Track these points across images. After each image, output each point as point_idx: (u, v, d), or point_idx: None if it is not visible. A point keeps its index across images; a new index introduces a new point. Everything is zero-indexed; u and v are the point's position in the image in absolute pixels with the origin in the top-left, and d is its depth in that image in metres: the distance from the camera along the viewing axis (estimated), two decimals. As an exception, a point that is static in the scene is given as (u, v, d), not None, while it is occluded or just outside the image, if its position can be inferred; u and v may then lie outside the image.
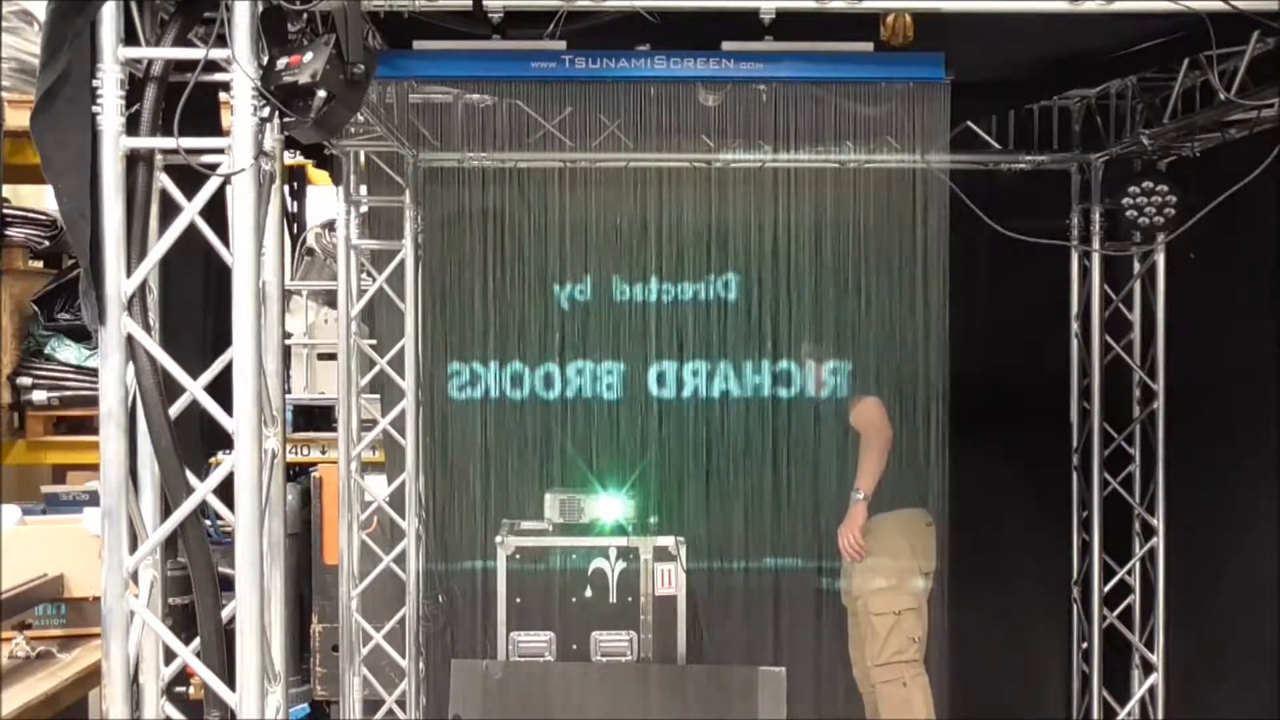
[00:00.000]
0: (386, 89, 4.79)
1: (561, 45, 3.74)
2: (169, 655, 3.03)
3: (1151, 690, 5.80)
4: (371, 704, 5.58)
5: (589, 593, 5.49)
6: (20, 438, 5.88)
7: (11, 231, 5.70)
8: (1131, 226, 5.35)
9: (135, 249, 2.90)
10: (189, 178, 2.92)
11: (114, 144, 2.87)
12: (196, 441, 3.42)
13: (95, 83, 2.85)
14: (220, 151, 2.89)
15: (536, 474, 5.82)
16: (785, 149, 5.01)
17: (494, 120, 5.13)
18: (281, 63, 2.86)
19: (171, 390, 2.91)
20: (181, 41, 2.97)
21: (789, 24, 3.56)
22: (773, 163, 5.42)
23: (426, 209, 5.64)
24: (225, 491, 2.90)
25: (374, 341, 5.64)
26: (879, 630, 5.29)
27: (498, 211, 5.67)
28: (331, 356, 5.86)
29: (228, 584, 2.88)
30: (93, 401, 3.04)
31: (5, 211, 5.64)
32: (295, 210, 7.07)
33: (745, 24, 3.56)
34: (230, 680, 2.90)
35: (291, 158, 5.43)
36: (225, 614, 2.94)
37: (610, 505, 5.63)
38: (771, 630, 5.88)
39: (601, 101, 4.83)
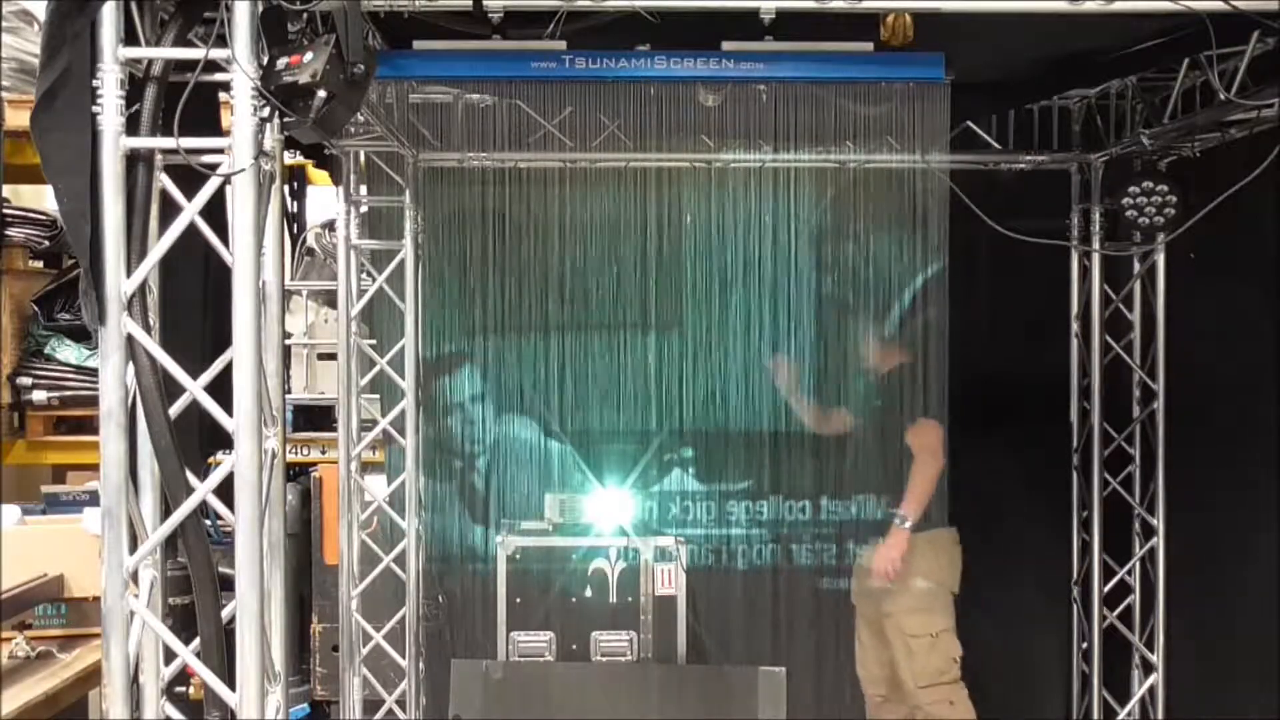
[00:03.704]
0: (386, 89, 4.79)
1: (561, 45, 3.74)
2: (169, 655, 3.03)
3: (1151, 690, 5.80)
4: (371, 704, 5.58)
5: (589, 593, 5.49)
6: (20, 438, 5.88)
7: (11, 231, 5.70)
8: (1131, 226, 5.35)
9: (135, 249, 2.90)
10: (189, 178, 2.92)
11: (114, 144, 2.87)
12: (195, 441, 3.42)
13: (95, 83, 2.85)
14: (220, 151, 2.89)
15: (537, 474, 5.82)
16: (785, 149, 5.02)
17: (494, 120, 5.13)
18: (281, 63, 2.86)
19: (171, 390, 2.91)
20: (181, 41, 2.97)
21: (789, 24, 3.57)
22: (773, 163, 5.42)
23: (426, 209, 5.64)
24: (225, 491, 2.90)
25: (374, 341, 5.64)
26: (915, 651, 5.25)
27: (498, 211, 5.67)
28: (331, 356, 5.87)
29: (228, 584, 2.88)
30: (93, 401, 3.04)
31: (5, 211, 5.64)
32: (295, 210, 7.07)
33: (745, 24, 3.56)
34: (230, 680, 2.90)
35: (291, 158, 5.43)
36: (225, 614, 2.94)
37: (610, 504, 5.64)
38: (771, 630, 5.89)
39: (601, 101, 4.83)
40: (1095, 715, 5.85)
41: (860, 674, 5.56)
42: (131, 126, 2.90)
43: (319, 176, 6.80)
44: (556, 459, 5.84)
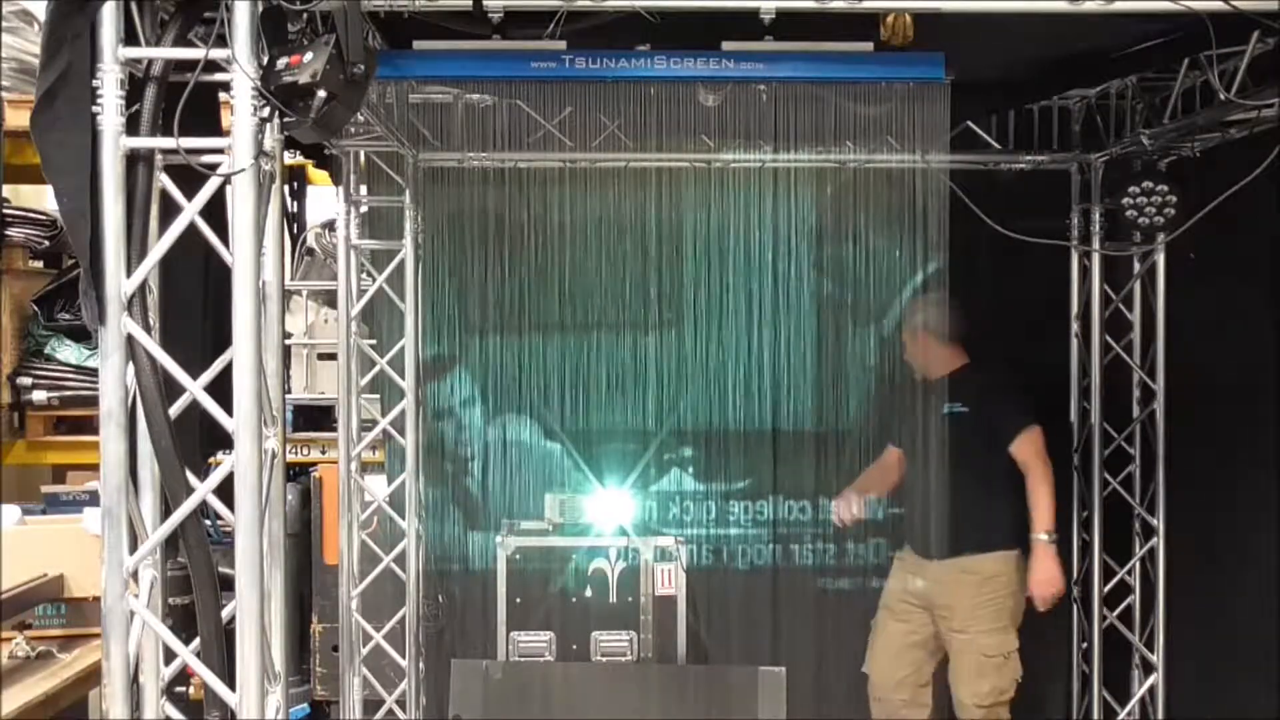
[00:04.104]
0: (386, 89, 4.79)
1: (561, 45, 3.74)
2: (169, 655, 3.03)
3: (1151, 690, 5.80)
4: (371, 704, 5.59)
5: (589, 593, 5.49)
6: (20, 438, 5.88)
7: (11, 231, 5.70)
8: (1131, 226, 5.35)
9: (135, 249, 2.90)
10: (189, 178, 2.92)
11: (114, 144, 2.87)
12: (195, 441, 3.42)
13: (95, 83, 2.85)
14: (220, 151, 2.89)
15: (536, 474, 5.82)
16: (785, 149, 5.01)
17: (494, 120, 5.12)
18: (281, 63, 2.86)
19: (171, 390, 2.91)
20: (181, 41, 2.97)
21: (789, 24, 3.56)
22: (773, 163, 5.43)
23: (426, 209, 5.64)
24: (225, 491, 2.90)
25: (374, 341, 5.65)
26: (987, 671, 5.18)
27: (498, 211, 5.68)
28: (331, 356, 5.87)
29: (228, 584, 2.88)
30: (93, 401, 3.04)
31: (5, 211, 5.64)
32: (295, 210, 7.07)
33: (745, 24, 3.56)
34: (230, 680, 2.90)
35: (291, 158, 5.42)
36: (225, 614, 2.94)
37: (610, 504, 5.64)
38: (771, 630, 5.89)
39: (601, 101, 4.83)
40: (1095, 715, 5.85)
41: (878, 677, 5.40)
42: (131, 126, 2.90)
43: (319, 176, 6.80)
44: (556, 459, 5.85)
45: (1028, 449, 5.16)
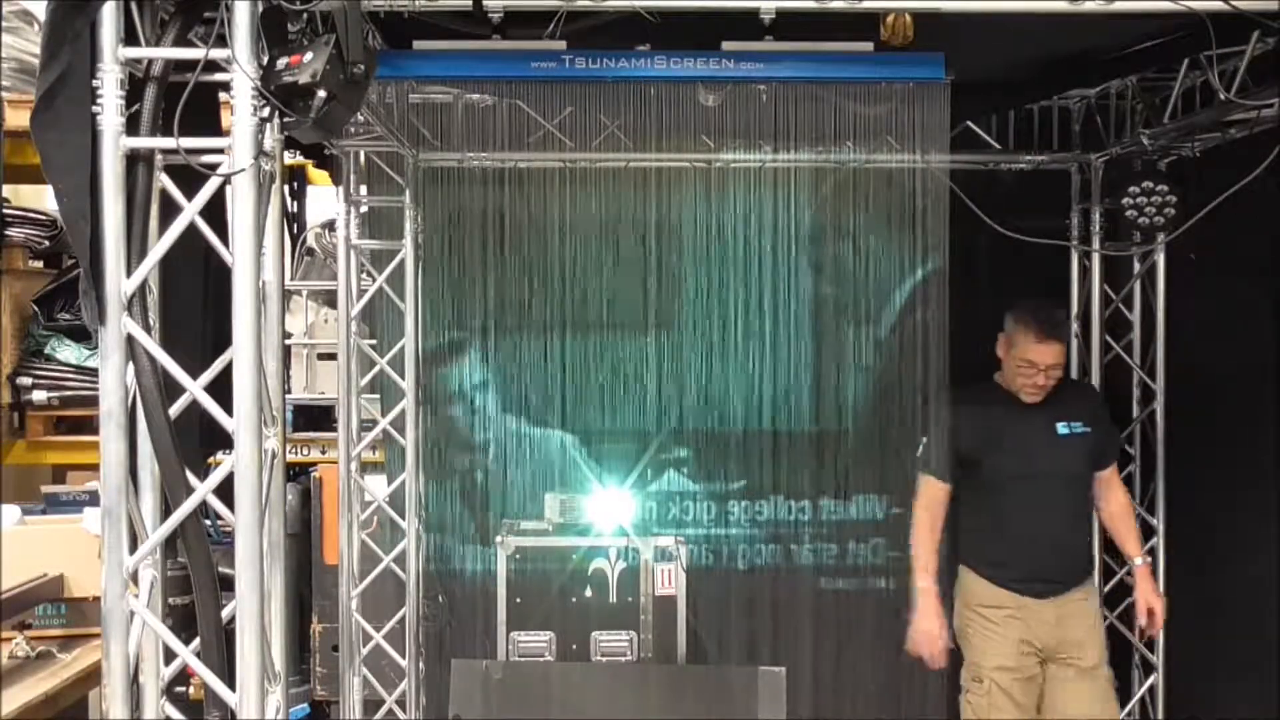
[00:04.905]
0: (386, 89, 4.79)
1: (561, 45, 3.74)
2: (169, 655, 3.03)
3: (1151, 690, 5.80)
4: (371, 704, 5.59)
5: (589, 593, 5.49)
6: (20, 438, 5.88)
7: (11, 231, 5.70)
8: (1131, 226, 5.34)
9: (135, 249, 2.90)
10: (189, 178, 2.92)
11: (114, 144, 2.87)
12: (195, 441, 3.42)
13: (95, 83, 2.84)
14: (220, 151, 2.89)
15: (537, 474, 5.82)
16: (785, 149, 5.01)
17: (494, 120, 5.12)
18: (281, 63, 2.86)
19: (171, 390, 2.91)
20: (181, 41, 2.97)
21: (789, 24, 3.57)
22: (773, 163, 5.43)
23: (426, 209, 5.64)
24: (225, 491, 2.90)
25: (374, 341, 5.65)
26: (1110, 696, 5.00)
27: (498, 211, 5.68)
28: (331, 356, 5.87)
29: (228, 584, 2.88)
30: (93, 401, 3.05)
31: (5, 211, 5.65)
32: (295, 210, 7.08)
33: (745, 24, 3.56)
34: (230, 680, 2.90)
35: (291, 158, 5.43)
36: (225, 614, 2.94)
37: (610, 504, 5.64)
38: (771, 630, 5.89)
39: (601, 101, 4.82)
40: (1095, 715, 5.84)
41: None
42: (131, 126, 2.90)
43: (319, 176, 6.81)
44: (556, 459, 5.85)
45: (1117, 481, 5.08)
